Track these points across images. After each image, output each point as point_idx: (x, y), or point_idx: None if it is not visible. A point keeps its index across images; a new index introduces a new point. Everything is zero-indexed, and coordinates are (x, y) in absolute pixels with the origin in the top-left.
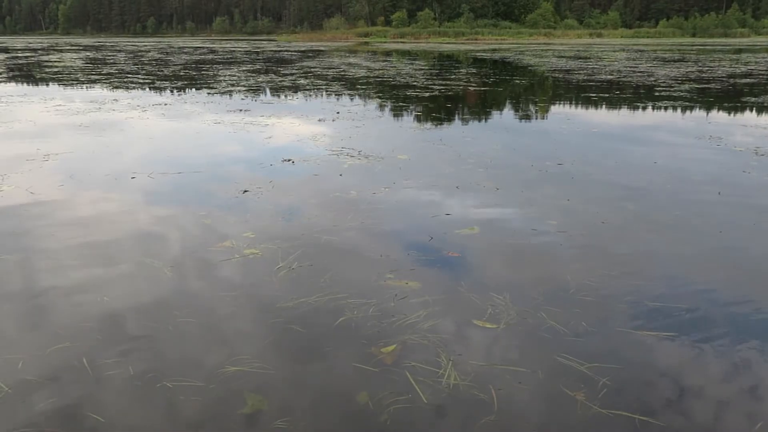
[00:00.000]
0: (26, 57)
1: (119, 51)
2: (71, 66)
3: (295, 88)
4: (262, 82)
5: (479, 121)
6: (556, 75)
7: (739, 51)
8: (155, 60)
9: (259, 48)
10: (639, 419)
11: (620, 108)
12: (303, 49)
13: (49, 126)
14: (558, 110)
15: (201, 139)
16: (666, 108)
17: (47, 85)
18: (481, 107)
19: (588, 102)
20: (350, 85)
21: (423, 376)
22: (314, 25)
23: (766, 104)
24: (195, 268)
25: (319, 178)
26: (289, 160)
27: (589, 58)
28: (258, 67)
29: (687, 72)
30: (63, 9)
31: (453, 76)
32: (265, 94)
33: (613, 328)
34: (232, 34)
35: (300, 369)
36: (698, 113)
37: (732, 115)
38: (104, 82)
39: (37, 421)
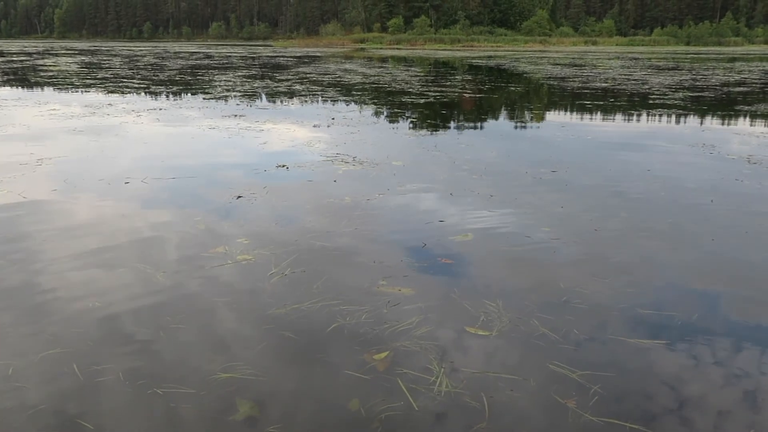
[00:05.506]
0: (21, 61)
1: (115, 55)
2: (66, 70)
3: (291, 94)
4: (257, 87)
5: (474, 127)
6: (551, 82)
7: (733, 59)
8: (151, 65)
9: (255, 53)
10: (631, 427)
11: (615, 116)
12: (299, 54)
13: (43, 130)
14: (553, 117)
15: (196, 144)
16: (660, 116)
17: (42, 89)
18: (476, 114)
19: (582, 109)
20: (346, 91)
21: (415, 383)
22: (311, 30)
23: (758, 113)
24: (188, 274)
25: (314, 184)
26: (283, 166)
27: (584, 65)
28: (254, 72)
29: (681, 80)
30: (59, 13)
31: (448, 83)
32: (261, 100)
33: (606, 335)
34: (229, 39)
35: (292, 375)
36: (692, 121)
37: (725, 123)
38: (99, 87)
39: (25, 428)
